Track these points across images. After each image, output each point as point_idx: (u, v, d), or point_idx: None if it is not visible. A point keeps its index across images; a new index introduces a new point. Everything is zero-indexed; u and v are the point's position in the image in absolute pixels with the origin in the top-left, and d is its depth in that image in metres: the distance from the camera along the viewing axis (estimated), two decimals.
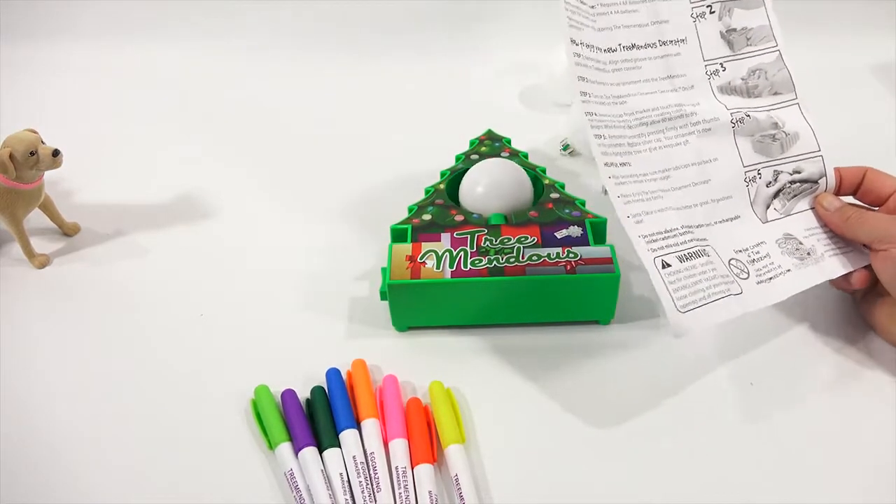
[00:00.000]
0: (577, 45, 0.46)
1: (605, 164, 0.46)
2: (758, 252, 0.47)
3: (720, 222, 0.48)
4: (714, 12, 0.49)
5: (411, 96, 0.81)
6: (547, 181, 0.57)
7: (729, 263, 0.46)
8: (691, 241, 0.46)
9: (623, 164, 0.46)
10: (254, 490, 0.43)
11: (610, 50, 0.47)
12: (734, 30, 0.50)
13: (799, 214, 0.50)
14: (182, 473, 0.44)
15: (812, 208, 0.50)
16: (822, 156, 0.50)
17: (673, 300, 0.43)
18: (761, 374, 0.48)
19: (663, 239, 0.46)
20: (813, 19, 0.83)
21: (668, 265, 0.44)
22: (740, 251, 0.47)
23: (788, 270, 0.47)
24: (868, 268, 0.49)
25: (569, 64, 0.46)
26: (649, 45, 0.48)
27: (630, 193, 0.46)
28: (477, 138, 0.64)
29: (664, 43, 0.48)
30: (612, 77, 0.47)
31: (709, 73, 0.49)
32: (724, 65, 0.49)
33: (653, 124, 0.47)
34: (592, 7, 0.47)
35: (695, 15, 0.49)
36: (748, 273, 0.46)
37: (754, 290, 0.46)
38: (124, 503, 0.43)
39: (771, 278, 0.47)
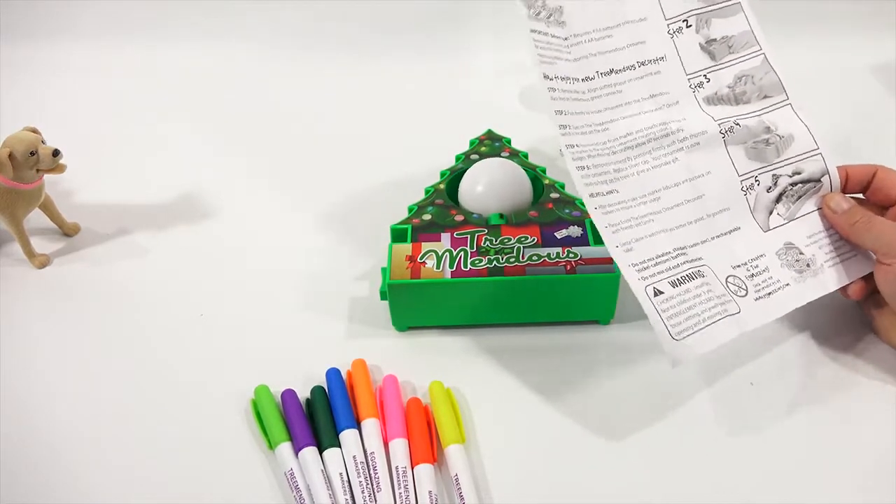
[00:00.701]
0: (550, 79, 0.44)
1: (591, 196, 0.44)
2: (756, 266, 0.47)
3: (717, 237, 0.47)
4: (691, 26, 0.48)
5: (411, 96, 0.81)
6: (547, 181, 0.57)
7: (726, 281, 0.45)
8: (685, 263, 0.45)
9: (610, 192, 0.45)
10: (254, 490, 0.43)
11: (588, 79, 0.45)
12: (714, 40, 0.49)
13: (803, 218, 0.49)
14: (182, 473, 0.44)
15: (819, 209, 0.49)
16: (821, 153, 0.49)
17: (667, 328, 0.42)
18: (761, 374, 0.48)
19: (655, 265, 0.44)
20: (813, 19, 0.83)
21: (661, 292, 0.43)
22: (738, 266, 0.46)
23: (787, 285, 0.47)
24: (866, 278, 0.48)
25: (545, 99, 0.44)
26: (628, 68, 0.46)
27: (618, 222, 0.45)
28: (477, 138, 0.64)
29: (643, 63, 0.47)
30: (591, 105, 0.45)
31: (692, 86, 0.47)
32: (708, 76, 0.48)
33: (638, 146, 0.46)
34: (566, 39, 0.45)
35: (671, 31, 0.47)
36: (746, 290, 0.46)
37: (752, 308, 0.45)
38: (124, 503, 0.43)
39: (770, 293, 0.46)
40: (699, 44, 0.48)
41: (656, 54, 0.47)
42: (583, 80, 0.45)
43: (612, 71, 0.46)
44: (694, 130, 0.47)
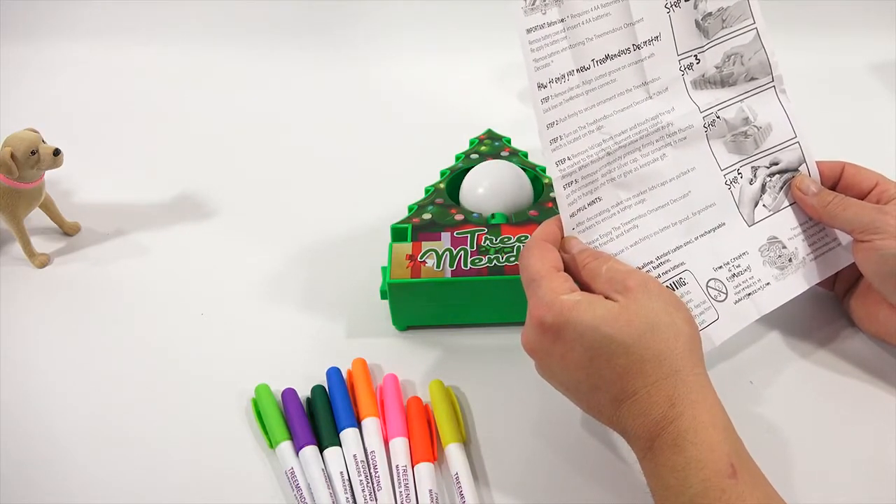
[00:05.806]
0: (544, 87, 0.43)
1: (570, 216, 0.44)
2: (738, 266, 0.47)
3: (702, 235, 0.46)
4: (689, 0, 0.47)
5: (412, 96, 0.81)
6: (547, 181, 0.58)
7: (707, 286, 0.45)
8: (666, 272, 0.45)
9: (592, 203, 0.44)
10: (254, 489, 0.43)
11: (582, 69, 0.44)
12: (710, 14, 0.47)
13: (787, 210, 0.49)
14: (182, 472, 0.44)
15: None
16: (798, 142, 0.49)
17: None
18: (761, 372, 0.48)
19: None
20: (812, 19, 0.83)
21: None
22: (720, 267, 0.46)
23: (768, 284, 0.47)
24: (843, 272, 0.49)
25: (536, 114, 0.43)
26: (623, 52, 0.45)
27: (597, 237, 0.44)
28: (477, 138, 0.64)
29: (637, 47, 0.45)
30: (585, 101, 0.44)
31: (682, 67, 0.47)
32: (699, 56, 0.47)
33: (630, 144, 0.45)
34: (562, 20, 0.44)
35: (669, 5, 0.47)
36: (726, 293, 0.46)
37: (731, 312, 0.45)
38: (124, 502, 0.43)
39: (749, 294, 0.46)
40: (695, 20, 0.47)
41: (651, 34, 0.46)
42: (577, 70, 0.44)
43: (606, 57, 0.45)
44: (682, 125, 0.47)
